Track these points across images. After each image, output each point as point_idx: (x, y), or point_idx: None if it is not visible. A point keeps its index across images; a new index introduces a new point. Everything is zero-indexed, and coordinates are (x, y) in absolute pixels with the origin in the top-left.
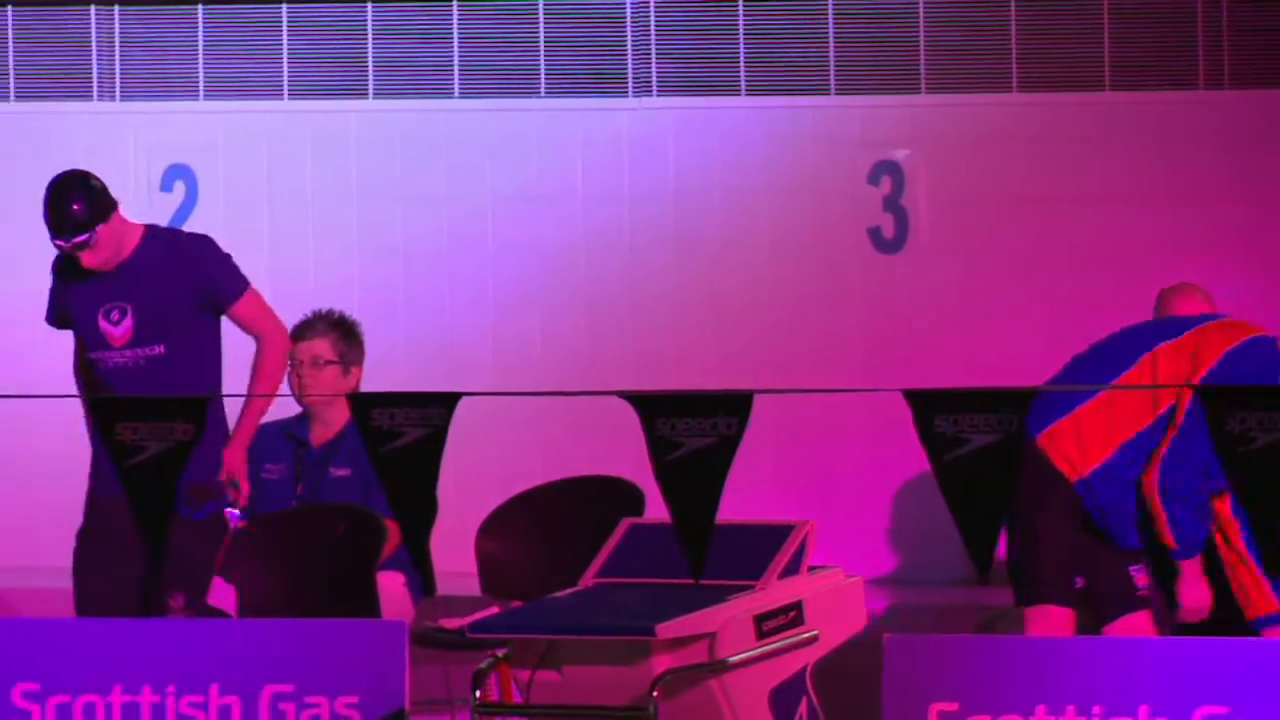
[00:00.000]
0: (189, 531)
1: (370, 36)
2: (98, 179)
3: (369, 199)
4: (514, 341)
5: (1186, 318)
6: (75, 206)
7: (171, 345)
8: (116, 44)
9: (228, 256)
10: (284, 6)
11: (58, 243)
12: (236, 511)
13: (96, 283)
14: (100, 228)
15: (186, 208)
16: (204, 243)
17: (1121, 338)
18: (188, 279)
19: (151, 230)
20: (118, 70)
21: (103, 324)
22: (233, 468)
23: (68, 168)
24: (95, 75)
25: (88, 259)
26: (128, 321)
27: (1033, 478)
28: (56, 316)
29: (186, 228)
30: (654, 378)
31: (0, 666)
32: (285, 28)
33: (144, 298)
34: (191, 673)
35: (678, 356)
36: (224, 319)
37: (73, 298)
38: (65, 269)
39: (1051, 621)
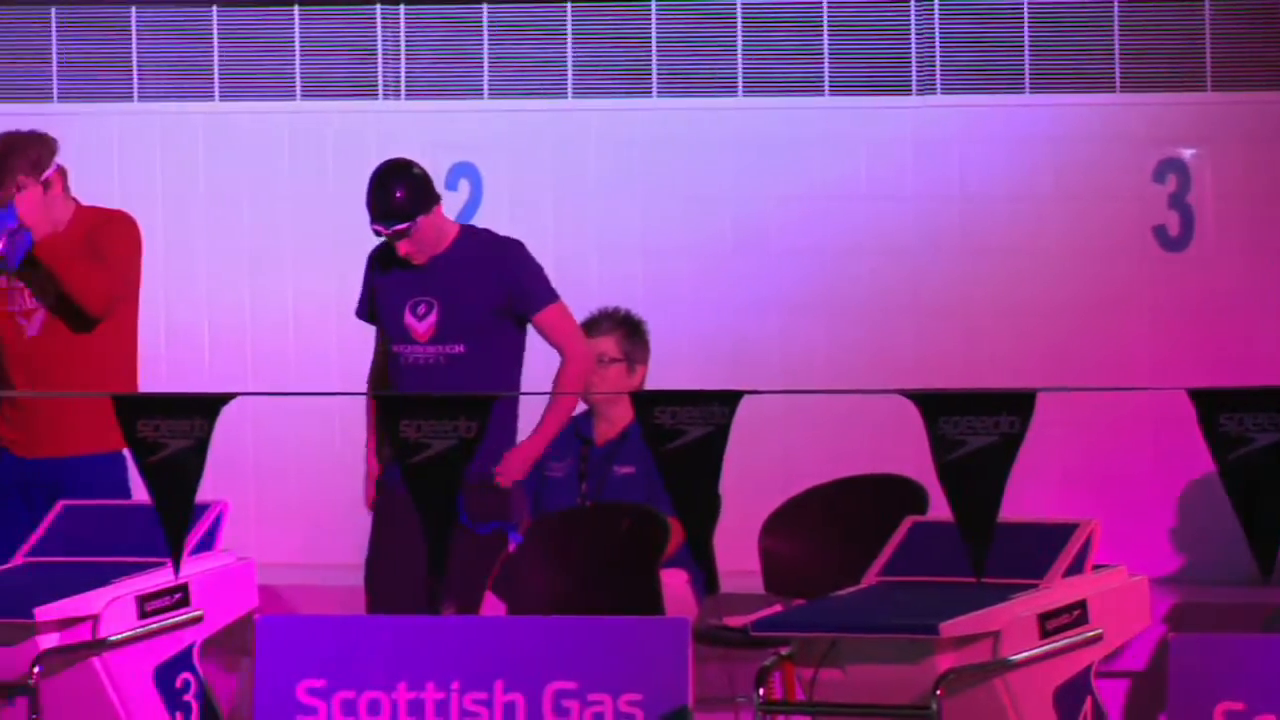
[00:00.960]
0: (470, 543)
1: (654, 36)
2: (422, 169)
3: (653, 197)
4: (797, 341)
5: None
6: (399, 194)
7: (472, 346)
8: (402, 43)
9: (539, 265)
10: (568, 6)
11: (376, 227)
12: (519, 537)
13: (407, 276)
14: (421, 218)
15: (471, 206)
16: (516, 247)
17: None
18: (496, 281)
19: (468, 230)
20: (403, 69)
21: (408, 317)
22: (508, 467)
23: (356, 166)
24: (380, 74)
25: (404, 247)
26: (433, 317)
27: None
28: (367, 309)
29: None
30: (937, 377)
31: (286, 663)
32: (570, 27)
33: (451, 295)
34: (476, 670)
35: (960, 356)
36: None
37: (383, 289)
38: (379, 260)
39: None
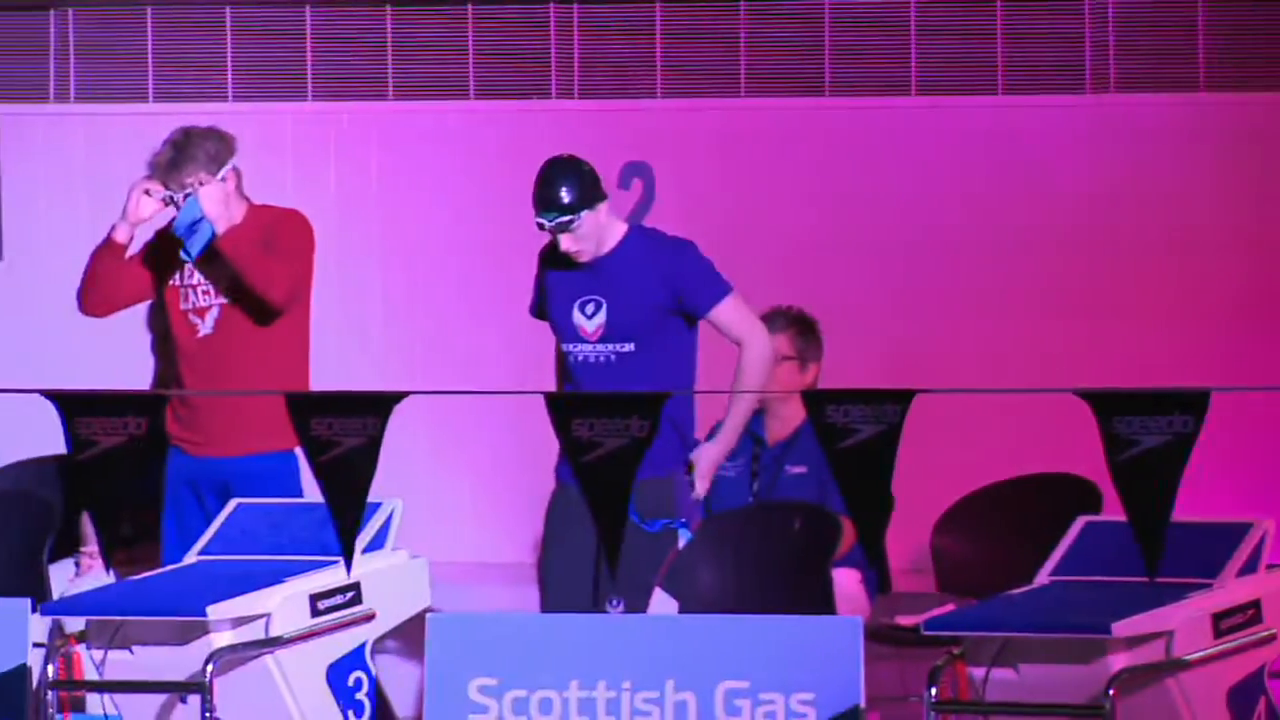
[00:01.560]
0: (639, 541)
1: (827, 37)
2: (590, 166)
3: (825, 196)
4: (970, 339)
5: None
6: (564, 189)
7: (642, 343)
8: (575, 42)
9: (709, 263)
10: (741, 5)
11: (539, 220)
12: (688, 531)
13: (574, 275)
14: (585, 214)
15: (644, 205)
16: (685, 247)
17: None
18: (664, 281)
19: (638, 229)
20: (576, 68)
21: (576, 316)
22: (702, 473)
23: (529, 165)
24: (553, 73)
25: (566, 242)
26: (601, 315)
27: None
28: (538, 308)
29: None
30: (1110, 376)
31: (458, 661)
32: (743, 27)
33: (619, 293)
34: (647, 669)
35: (1134, 354)
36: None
37: (552, 288)
38: (549, 259)
39: None
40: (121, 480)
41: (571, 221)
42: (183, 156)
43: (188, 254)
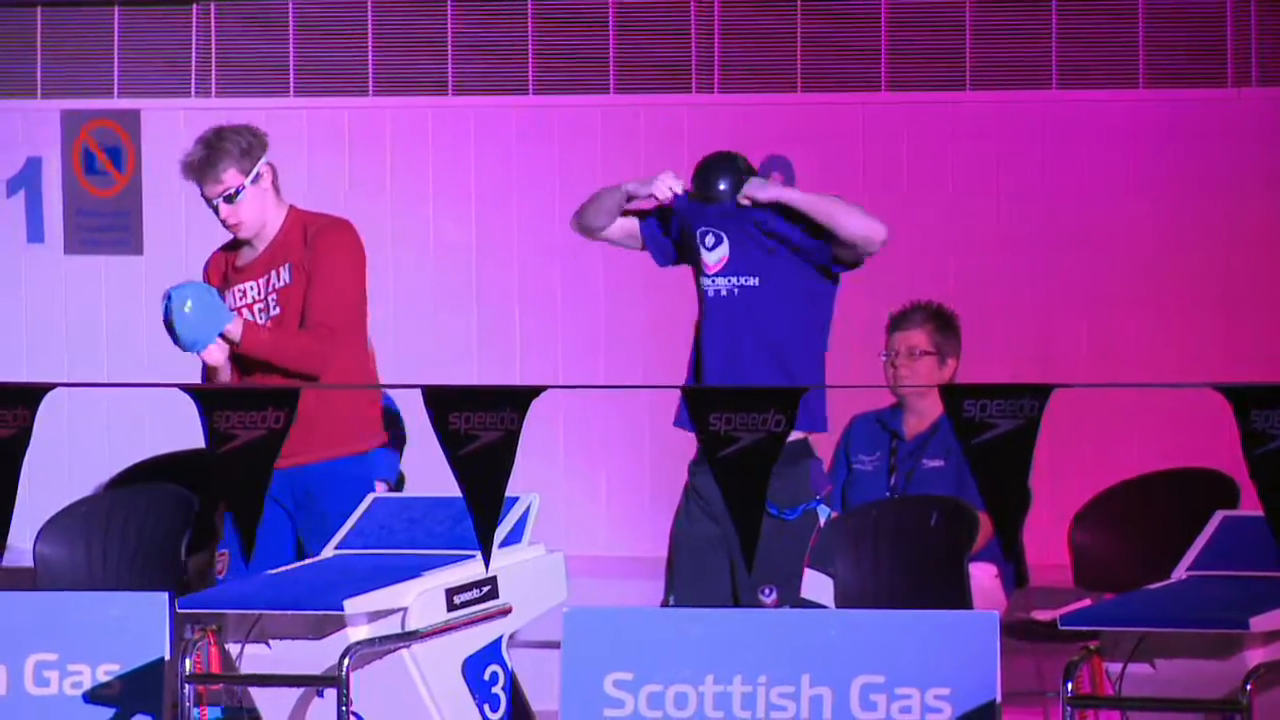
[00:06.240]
0: (779, 530)
1: (968, 29)
2: (745, 161)
3: (965, 190)
4: (1108, 334)
5: None
6: (721, 186)
7: (764, 279)
8: (715, 37)
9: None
10: (883, 4)
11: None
12: (827, 509)
13: (701, 211)
14: (739, 198)
15: None
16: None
17: None
18: (766, 219)
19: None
20: (716, 61)
21: (701, 250)
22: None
23: (668, 158)
24: (693, 67)
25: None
26: (723, 249)
27: None
28: (666, 253)
29: None
30: (1249, 370)
31: (594, 655)
32: (884, 21)
33: (735, 228)
34: (783, 664)
35: (1274, 348)
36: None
37: (684, 225)
38: (683, 206)
39: None
40: (260, 474)
41: (725, 194)
42: (215, 154)
43: (195, 347)
